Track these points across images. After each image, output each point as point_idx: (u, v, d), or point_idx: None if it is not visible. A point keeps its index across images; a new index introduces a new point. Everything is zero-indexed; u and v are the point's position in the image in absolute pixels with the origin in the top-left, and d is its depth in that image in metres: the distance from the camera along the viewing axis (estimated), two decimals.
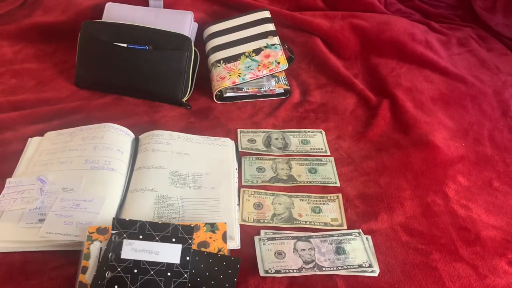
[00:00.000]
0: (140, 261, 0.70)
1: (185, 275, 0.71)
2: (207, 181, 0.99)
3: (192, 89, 1.23)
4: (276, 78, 1.29)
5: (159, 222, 0.74)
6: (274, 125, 1.18)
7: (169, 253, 0.71)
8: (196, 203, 0.94)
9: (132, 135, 1.08)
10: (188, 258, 0.71)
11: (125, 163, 1.01)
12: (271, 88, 1.26)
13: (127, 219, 0.74)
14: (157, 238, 0.72)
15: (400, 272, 0.84)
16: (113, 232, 0.73)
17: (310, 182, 1.02)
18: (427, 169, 1.05)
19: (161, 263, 0.71)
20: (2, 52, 1.37)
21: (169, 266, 0.70)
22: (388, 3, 1.68)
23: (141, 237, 0.72)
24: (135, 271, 0.70)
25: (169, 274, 0.71)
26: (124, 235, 0.72)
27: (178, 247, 0.72)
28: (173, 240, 0.72)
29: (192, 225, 0.73)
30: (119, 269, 0.70)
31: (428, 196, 0.99)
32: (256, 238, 0.88)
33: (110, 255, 0.71)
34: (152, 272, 0.70)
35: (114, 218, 0.75)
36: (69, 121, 1.12)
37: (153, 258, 0.71)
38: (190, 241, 0.72)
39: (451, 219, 0.94)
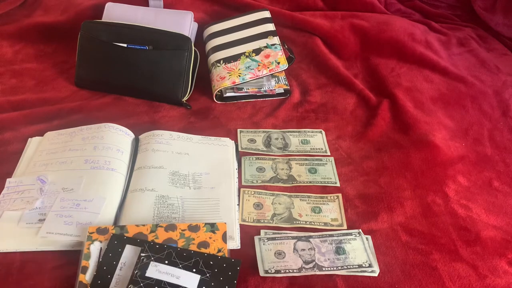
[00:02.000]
0: (162, 281, 0.76)
1: None
2: (207, 181, 0.99)
3: (192, 89, 1.23)
4: (276, 78, 1.29)
5: (184, 254, 0.80)
6: (274, 125, 1.18)
7: (188, 279, 0.77)
8: (196, 203, 0.94)
9: (132, 135, 1.08)
10: (204, 287, 0.77)
11: (125, 163, 1.01)
12: (271, 88, 1.26)
13: (157, 246, 0.81)
14: (180, 266, 0.79)
15: (400, 272, 0.84)
16: (142, 255, 0.79)
17: (310, 182, 1.02)
18: (427, 169, 1.05)
19: (180, 286, 0.76)
20: (2, 52, 1.37)
21: None
22: (388, 3, 1.68)
23: (166, 262, 0.79)
24: None
25: None
26: (152, 258, 0.79)
27: (197, 278, 0.78)
28: (194, 270, 0.78)
29: (211, 262, 0.80)
30: (141, 284, 0.76)
31: (428, 196, 0.99)
32: (256, 238, 0.88)
33: (136, 272, 0.77)
34: None
35: (146, 243, 0.81)
36: (69, 121, 1.12)
37: (174, 281, 0.76)
38: (208, 274, 0.78)
39: (451, 219, 0.94)
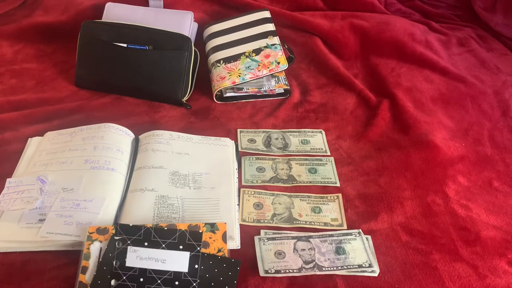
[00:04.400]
0: (146, 269, 0.67)
1: (194, 284, 0.68)
2: (207, 181, 0.99)
3: (192, 89, 1.23)
4: (276, 78, 1.29)
5: (165, 228, 0.70)
6: (274, 125, 1.18)
7: (176, 261, 0.68)
8: (196, 203, 0.94)
9: (132, 135, 1.08)
10: (196, 266, 0.67)
11: (125, 163, 1.01)
12: (271, 88, 1.26)
13: (131, 225, 0.71)
14: (163, 246, 0.69)
15: (400, 272, 0.84)
16: (116, 238, 0.69)
17: (310, 182, 1.02)
18: (427, 169, 1.05)
19: (168, 271, 0.67)
20: (2, 52, 1.37)
21: (177, 274, 0.67)
22: (388, 3, 1.68)
23: (146, 244, 0.69)
24: (141, 280, 0.66)
25: (177, 283, 0.68)
26: (128, 242, 0.68)
27: (186, 255, 0.68)
28: (181, 247, 0.68)
29: (200, 231, 0.70)
30: (124, 278, 0.66)
31: (428, 196, 0.99)
32: (256, 238, 0.88)
33: (114, 262, 0.68)
34: (159, 281, 0.67)
35: (117, 224, 0.72)
36: (69, 121, 1.12)
37: (160, 267, 0.67)
38: (198, 248, 0.68)
39: (451, 219, 0.94)
